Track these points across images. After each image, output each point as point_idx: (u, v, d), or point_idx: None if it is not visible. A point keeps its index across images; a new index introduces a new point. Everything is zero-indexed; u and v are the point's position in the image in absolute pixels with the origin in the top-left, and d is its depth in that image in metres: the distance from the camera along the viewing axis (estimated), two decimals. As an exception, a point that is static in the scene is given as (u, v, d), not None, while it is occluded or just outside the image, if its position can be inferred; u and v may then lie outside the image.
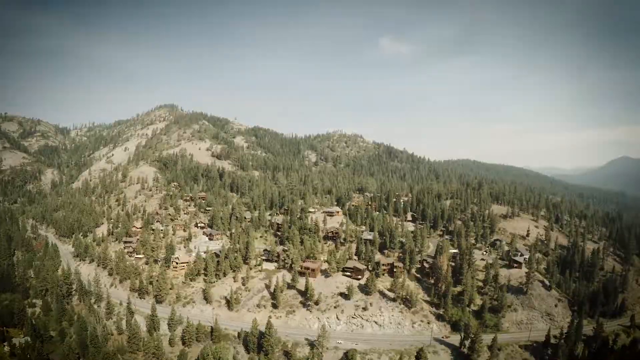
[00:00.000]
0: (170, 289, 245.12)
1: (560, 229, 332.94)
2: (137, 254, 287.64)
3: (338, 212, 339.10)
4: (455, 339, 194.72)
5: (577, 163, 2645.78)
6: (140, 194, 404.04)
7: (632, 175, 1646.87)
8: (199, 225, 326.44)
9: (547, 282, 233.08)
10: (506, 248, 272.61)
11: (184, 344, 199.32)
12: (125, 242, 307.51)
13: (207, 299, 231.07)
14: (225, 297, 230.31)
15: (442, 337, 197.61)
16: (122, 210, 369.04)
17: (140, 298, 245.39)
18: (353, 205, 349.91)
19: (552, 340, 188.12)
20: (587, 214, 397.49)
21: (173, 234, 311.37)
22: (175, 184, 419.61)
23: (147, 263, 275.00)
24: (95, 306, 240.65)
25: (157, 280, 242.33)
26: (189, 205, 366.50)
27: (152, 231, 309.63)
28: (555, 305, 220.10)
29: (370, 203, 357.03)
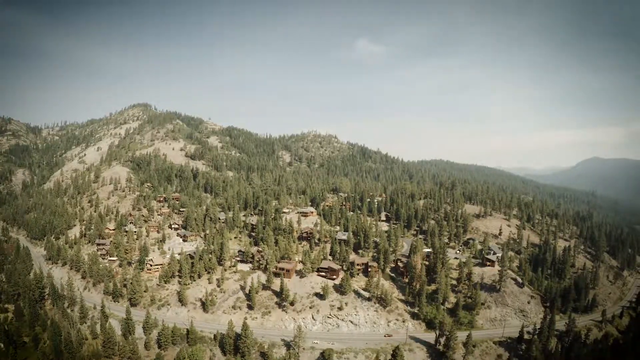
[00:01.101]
0: (145, 291, 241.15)
1: (532, 227, 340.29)
2: (110, 256, 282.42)
3: (312, 212, 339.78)
4: (430, 336, 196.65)
5: (548, 163, 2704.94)
6: (113, 195, 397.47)
7: (602, 175, 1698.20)
8: (172, 226, 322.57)
9: (519, 280, 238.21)
10: (479, 247, 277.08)
11: (159, 347, 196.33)
12: (98, 244, 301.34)
13: (182, 301, 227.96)
14: (201, 299, 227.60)
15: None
16: (95, 212, 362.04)
17: (115, 301, 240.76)
18: (327, 205, 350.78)
19: (526, 336, 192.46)
20: (558, 213, 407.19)
21: (147, 236, 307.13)
22: (148, 184, 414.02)
23: (120, 265, 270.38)
24: (69, 310, 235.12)
25: (131, 283, 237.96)
26: (163, 206, 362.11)
27: (125, 233, 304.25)
28: (528, 302, 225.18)
29: (344, 203, 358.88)
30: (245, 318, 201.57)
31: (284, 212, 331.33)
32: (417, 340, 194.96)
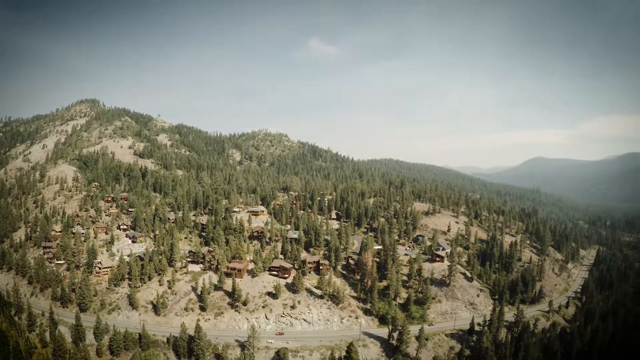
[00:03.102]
0: (94, 295, 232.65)
1: (479, 224, 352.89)
2: (57, 260, 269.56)
3: (263, 211, 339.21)
4: (383, 331, 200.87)
5: (494, 163, 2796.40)
6: (59, 195, 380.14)
7: (546, 173, 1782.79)
8: (121, 227, 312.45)
9: (468, 274, 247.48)
10: (428, 243, 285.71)
11: (112, 353, 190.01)
12: (44, 247, 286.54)
13: (133, 304, 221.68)
14: (152, 302, 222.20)
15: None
16: (41, 213, 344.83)
17: (64, 307, 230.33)
18: (278, 204, 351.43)
19: (477, 328, 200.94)
20: (504, 209, 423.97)
21: (95, 237, 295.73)
22: (96, 184, 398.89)
23: (68, 269, 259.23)
24: (16, 318, 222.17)
25: (79, 288, 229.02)
26: (111, 207, 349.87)
27: (72, 235, 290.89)
28: (478, 295, 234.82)
29: (295, 202, 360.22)
30: (198, 320, 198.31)
31: (235, 212, 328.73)
32: (370, 335, 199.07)
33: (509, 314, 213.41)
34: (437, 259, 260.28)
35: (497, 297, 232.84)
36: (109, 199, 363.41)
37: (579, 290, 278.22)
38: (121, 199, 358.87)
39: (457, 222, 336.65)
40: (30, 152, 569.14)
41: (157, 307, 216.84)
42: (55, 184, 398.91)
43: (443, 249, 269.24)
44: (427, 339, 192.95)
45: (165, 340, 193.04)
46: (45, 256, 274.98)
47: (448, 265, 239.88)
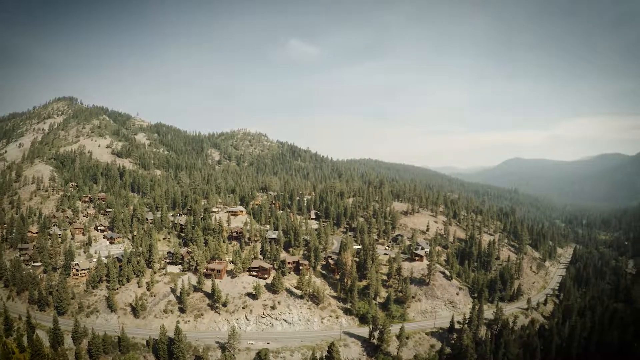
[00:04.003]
0: (72, 298, 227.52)
1: (458, 223, 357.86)
2: (34, 262, 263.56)
3: (242, 211, 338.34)
4: (364, 331, 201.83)
5: (473, 163, 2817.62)
6: (35, 196, 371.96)
7: (523, 173, 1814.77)
8: (99, 228, 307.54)
9: (447, 273, 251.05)
10: (408, 242, 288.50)
11: (91, 357, 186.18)
12: (20, 249, 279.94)
13: (111, 307, 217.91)
14: (131, 304, 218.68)
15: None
16: (17, 214, 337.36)
17: (41, 310, 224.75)
18: (257, 204, 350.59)
19: (457, 326, 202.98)
20: (482, 209, 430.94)
21: (72, 239, 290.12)
22: (73, 183, 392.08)
23: (45, 271, 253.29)
24: None
25: (57, 290, 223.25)
26: (88, 207, 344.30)
27: (49, 236, 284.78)
28: (457, 294, 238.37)
29: (274, 202, 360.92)
30: (178, 322, 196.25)
31: (214, 212, 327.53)
32: (351, 335, 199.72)
33: (489, 312, 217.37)
34: (417, 258, 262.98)
35: (476, 295, 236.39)
36: (87, 199, 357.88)
37: (557, 287, 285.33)
38: (99, 199, 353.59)
39: (436, 222, 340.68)
40: (6, 151, 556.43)
41: (136, 310, 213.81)
42: (32, 183, 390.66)
43: (422, 248, 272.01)
44: (407, 338, 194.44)
45: (145, 343, 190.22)
46: (22, 258, 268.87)
47: (427, 264, 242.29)
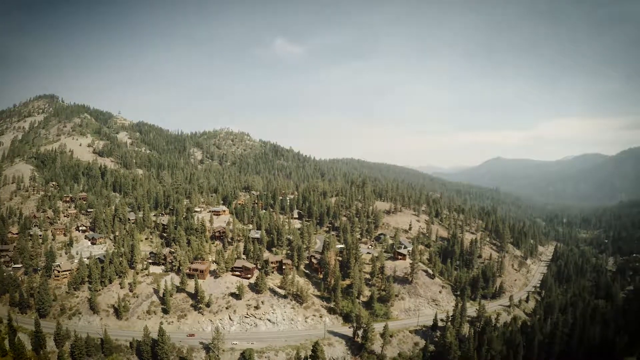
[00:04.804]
0: (54, 300, 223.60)
1: (440, 222, 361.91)
2: (15, 264, 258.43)
3: (225, 211, 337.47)
4: (348, 330, 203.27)
5: (455, 162, 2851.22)
6: (16, 195, 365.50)
7: (504, 173, 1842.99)
8: (80, 228, 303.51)
9: (430, 271, 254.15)
10: (390, 241, 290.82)
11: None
12: (0, 250, 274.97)
13: (93, 308, 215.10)
14: (113, 306, 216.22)
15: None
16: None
17: (22, 313, 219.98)
18: (240, 203, 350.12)
19: (440, 323, 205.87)
20: (464, 208, 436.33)
21: (53, 239, 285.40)
22: (54, 183, 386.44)
23: (26, 273, 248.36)
24: None
25: (38, 292, 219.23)
26: (69, 207, 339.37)
27: (30, 237, 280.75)
28: (440, 292, 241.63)
29: (256, 201, 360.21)
30: (161, 323, 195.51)
31: (196, 211, 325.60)
32: (335, 334, 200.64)
33: (471, 309, 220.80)
34: (399, 257, 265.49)
35: (459, 293, 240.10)
36: (68, 199, 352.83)
37: (538, 284, 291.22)
38: (80, 199, 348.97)
39: (418, 221, 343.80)
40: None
41: (118, 311, 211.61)
42: (12, 183, 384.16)
43: (405, 247, 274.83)
44: (391, 336, 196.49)
45: (129, 345, 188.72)
46: (2, 260, 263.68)
47: (410, 263, 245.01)
